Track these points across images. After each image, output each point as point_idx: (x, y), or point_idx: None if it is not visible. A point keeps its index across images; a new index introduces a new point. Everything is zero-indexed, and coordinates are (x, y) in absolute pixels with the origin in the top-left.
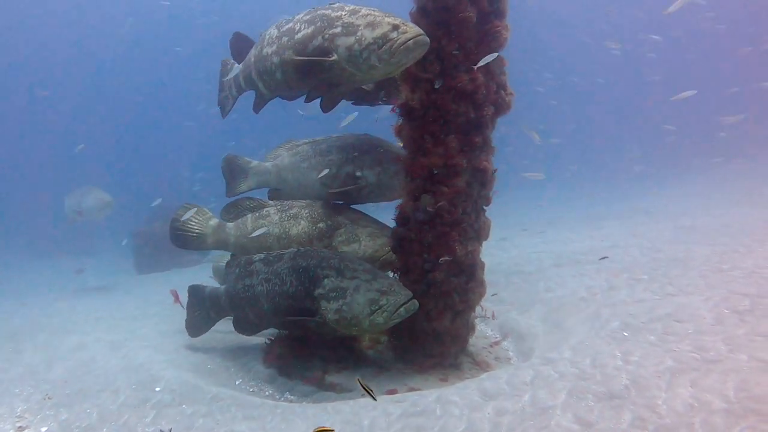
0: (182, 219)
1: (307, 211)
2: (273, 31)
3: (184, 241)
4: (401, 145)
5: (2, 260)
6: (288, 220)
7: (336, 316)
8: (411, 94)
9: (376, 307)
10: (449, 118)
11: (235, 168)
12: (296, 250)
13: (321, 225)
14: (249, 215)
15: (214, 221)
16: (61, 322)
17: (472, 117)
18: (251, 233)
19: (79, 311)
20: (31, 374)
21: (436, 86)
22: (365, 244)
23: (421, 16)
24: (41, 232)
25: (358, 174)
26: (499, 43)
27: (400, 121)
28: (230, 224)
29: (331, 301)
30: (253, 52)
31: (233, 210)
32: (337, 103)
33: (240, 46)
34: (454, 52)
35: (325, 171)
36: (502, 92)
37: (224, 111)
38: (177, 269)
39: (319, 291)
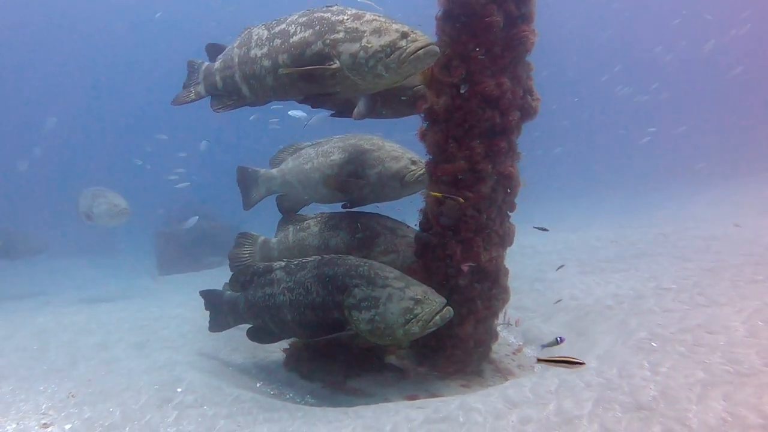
0: (236, 252)
1: (345, 221)
2: (262, 32)
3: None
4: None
5: (26, 260)
6: (328, 231)
7: (369, 327)
8: (436, 99)
9: (411, 316)
10: (474, 123)
11: (247, 178)
12: (320, 257)
13: (359, 235)
14: (291, 228)
15: (261, 239)
16: (84, 322)
17: (498, 122)
18: (291, 245)
19: (102, 311)
20: (55, 372)
21: (462, 91)
22: (404, 255)
23: (446, 20)
24: (61, 230)
25: (360, 173)
26: (526, 48)
27: (425, 125)
28: (274, 240)
29: (363, 311)
30: (236, 51)
31: (282, 226)
32: (327, 103)
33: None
34: (479, 56)
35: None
36: (529, 97)
37: (177, 103)
38: (199, 271)
39: (349, 301)
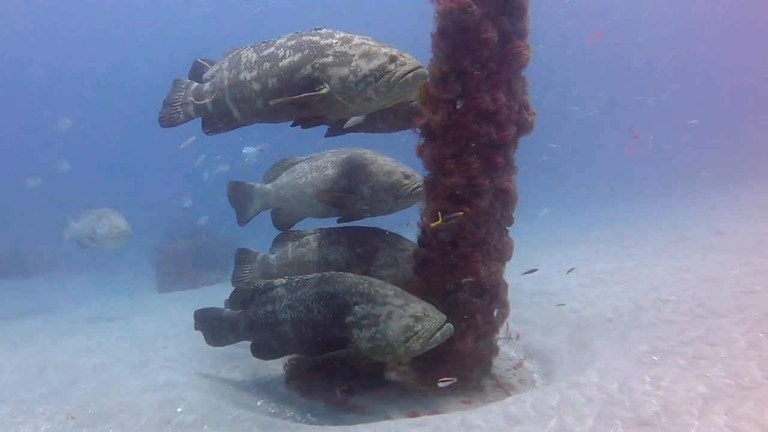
0: (238, 273)
1: (345, 236)
2: (251, 55)
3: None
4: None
5: (25, 279)
6: (327, 247)
7: (369, 344)
8: (432, 115)
9: (412, 334)
10: (471, 138)
11: (241, 193)
12: (321, 275)
13: (359, 250)
14: (290, 244)
15: (259, 256)
16: (83, 341)
17: (494, 137)
18: (291, 261)
19: (101, 329)
20: (54, 394)
21: (458, 107)
22: (404, 269)
23: (441, 36)
24: (61, 246)
25: (353, 187)
26: (521, 63)
27: (422, 141)
28: (273, 256)
29: (363, 329)
30: (225, 74)
31: (280, 242)
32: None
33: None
34: (475, 72)
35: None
36: (525, 112)
37: (167, 125)
38: (198, 288)
39: (349, 319)
